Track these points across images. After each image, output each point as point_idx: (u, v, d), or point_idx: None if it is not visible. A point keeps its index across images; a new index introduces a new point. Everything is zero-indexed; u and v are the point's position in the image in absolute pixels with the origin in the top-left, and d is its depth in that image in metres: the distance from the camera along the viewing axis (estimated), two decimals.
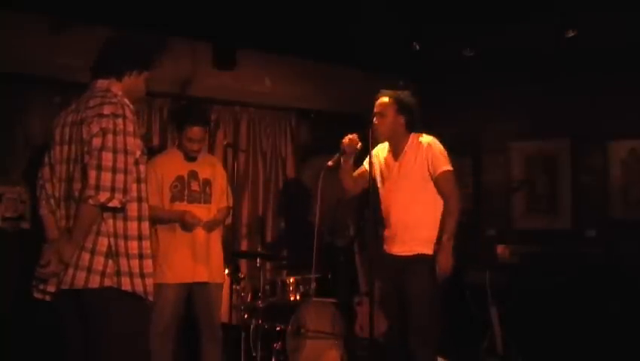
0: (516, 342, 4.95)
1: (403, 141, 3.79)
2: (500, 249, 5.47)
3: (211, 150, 5.37)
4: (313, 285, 4.87)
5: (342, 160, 3.77)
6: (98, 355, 2.58)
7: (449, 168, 3.70)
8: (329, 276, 5.28)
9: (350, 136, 3.73)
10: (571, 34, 4.94)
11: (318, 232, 3.85)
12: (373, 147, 3.78)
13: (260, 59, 5.67)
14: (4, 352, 4.25)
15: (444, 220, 3.68)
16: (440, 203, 3.74)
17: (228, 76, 5.46)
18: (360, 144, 3.73)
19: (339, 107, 6.16)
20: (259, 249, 5.70)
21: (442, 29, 5.06)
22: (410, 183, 3.72)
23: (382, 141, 3.88)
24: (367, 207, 3.78)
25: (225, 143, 5.16)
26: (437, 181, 3.69)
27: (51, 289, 2.60)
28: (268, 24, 4.91)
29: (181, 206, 4.03)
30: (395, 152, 3.83)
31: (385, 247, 3.87)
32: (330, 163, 3.74)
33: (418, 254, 3.68)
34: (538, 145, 6.01)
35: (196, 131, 4.04)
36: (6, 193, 4.55)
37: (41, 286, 2.62)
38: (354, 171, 3.90)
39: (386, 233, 3.87)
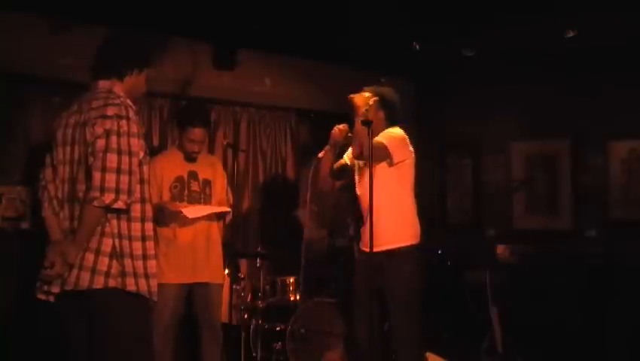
0: (516, 342, 4.95)
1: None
2: (500, 249, 5.47)
3: (211, 150, 5.37)
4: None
5: (325, 149, 3.78)
6: (102, 355, 2.59)
7: (381, 141, 3.62)
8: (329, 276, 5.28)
9: (340, 126, 3.73)
10: (571, 34, 4.95)
11: (306, 225, 3.85)
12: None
13: (260, 59, 5.66)
14: (4, 352, 4.25)
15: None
16: (411, 194, 3.76)
17: (228, 76, 5.46)
18: (350, 134, 3.72)
19: (339, 107, 6.11)
20: (259, 249, 5.70)
21: (442, 29, 5.07)
22: (381, 176, 3.64)
23: None
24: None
25: (225, 143, 5.16)
26: None
27: (55, 290, 2.60)
28: (268, 24, 4.91)
29: (181, 207, 4.03)
30: None
31: (362, 244, 3.83)
32: (320, 155, 3.80)
33: (396, 248, 3.65)
34: (538, 145, 6.01)
35: (197, 132, 4.04)
36: (6, 193, 4.55)
37: (45, 288, 2.62)
38: (334, 163, 3.90)
39: (362, 230, 3.82)
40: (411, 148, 3.77)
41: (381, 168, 3.65)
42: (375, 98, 3.75)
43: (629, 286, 4.90)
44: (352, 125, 3.70)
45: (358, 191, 3.87)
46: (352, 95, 3.73)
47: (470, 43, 5.41)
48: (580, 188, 5.77)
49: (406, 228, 3.73)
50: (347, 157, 3.97)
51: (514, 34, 5.17)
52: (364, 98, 3.70)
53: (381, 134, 3.70)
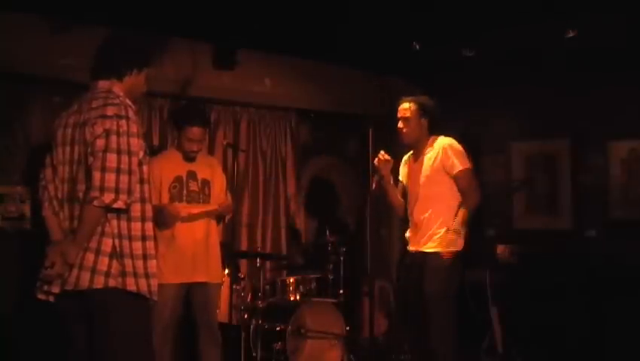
0: (516, 342, 4.95)
1: (424, 144, 3.97)
2: (500, 249, 5.47)
3: (211, 150, 5.37)
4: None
5: (382, 181, 3.98)
6: (103, 355, 2.59)
7: (467, 166, 3.88)
8: (329, 276, 5.28)
9: (379, 156, 3.92)
10: (571, 34, 4.94)
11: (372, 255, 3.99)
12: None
13: (260, 59, 5.66)
14: (5, 352, 4.25)
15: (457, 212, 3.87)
16: (458, 203, 3.89)
17: (228, 76, 5.45)
18: (389, 158, 3.95)
19: (339, 107, 6.16)
20: (256, 249, 5.70)
21: (442, 29, 5.06)
22: (429, 184, 3.89)
23: (408, 144, 4.06)
24: (367, 206, 3.85)
25: (225, 143, 5.16)
26: (456, 180, 3.86)
27: (55, 290, 2.60)
28: (268, 24, 4.91)
29: (180, 206, 4.03)
30: (417, 154, 4.03)
31: (408, 246, 4.04)
32: (374, 187, 3.98)
33: (436, 252, 3.84)
34: (538, 145, 6.01)
35: (195, 131, 4.05)
36: (6, 193, 4.55)
37: (45, 288, 2.62)
38: (396, 187, 4.11)
39: (409, 233, 4.05)
40: None
41: (440, 180, 3.86)
42: (415, 107, 3.94)
43: (629, 286, 4.90)
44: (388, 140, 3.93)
45: (409, 203, 4.05)
46: (376, 161, 3.94)
47: (470, 43, 5.40)
48: (580, 188, 5.77)
49: (446, 236, 3.86)
50: (402, 177, 4.15)
51: (514, 34, 5.16)
52: (384, 162, 3.93)
53: (452, 151, 3.86)
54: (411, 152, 4.10)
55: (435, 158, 3.89)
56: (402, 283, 4.08)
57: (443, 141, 3.93)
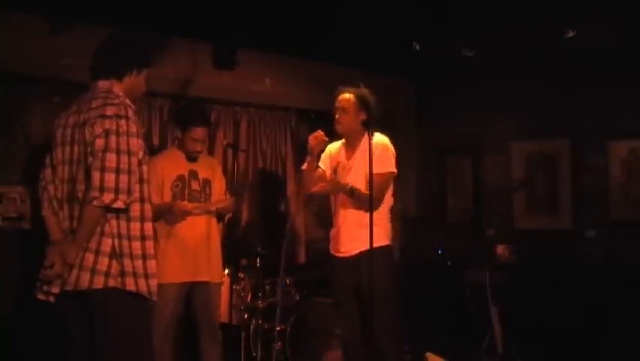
0: (516, 342, 4.95)
1: (358, 139, 3.79)
2: (500, 249, 5.48)
3: (211, 150, 5.37)
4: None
5: (307, 160, 3.78)
6: (103, 355, 2.59)
7: (389, 170, 3.70)
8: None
9: (315, 134, 3.73)
10: (570, 34, 4.95)
11: (289, 233, 3.86)
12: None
13: (260, 59, 5.66)
14: (4, 352, 4.25)
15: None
16: (390, 200, 3.80)
17: (228, 76, 5.46)
18: (326, 139, 3.74)
19: None
20: (259, 249, 5.69)
21: (442, 29, 5.07)
22: (362, 181, 3.67)
23: (340, 134, 3.87)
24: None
25: (225, 143, 5.16)
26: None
27: (55, 290, 2.60)
28: (268, 24, 4.91)
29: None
30: (350, 149, 3.84)
31: (335, 247, 3.84)
32: (304, 167, 3.81)
33: (383, 246, 3.65)
34: (538, 145, 6.02)
35: (200, 132, 4.06)
36: (6, 193, 4.55)
37: (45, 288, 2.62)
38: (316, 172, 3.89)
39: (334, 233, 3.85)
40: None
41: (363, 178, 3.65)
42: (354, 99, 3.77)
43: (629, 286, 4.90)
44: (327, 133, 3.74)
45: (337, 200, 3.86)
46: (310, 138, 3.74)
47: (470, 43, 5.41)
48: (580, 188, 5.77)
49: (380, 230, 3.66)
50: (323, 165, 3.95)
51: (514, 34, 5.17)
52: (319, 142, 3.72)
53: (382, 150, 3.69)
54: (341, 143, 3.90)
55: (368, 157, 3.58)
56: (340, 287, 3.85)
57: (377, 140, 3.69)
